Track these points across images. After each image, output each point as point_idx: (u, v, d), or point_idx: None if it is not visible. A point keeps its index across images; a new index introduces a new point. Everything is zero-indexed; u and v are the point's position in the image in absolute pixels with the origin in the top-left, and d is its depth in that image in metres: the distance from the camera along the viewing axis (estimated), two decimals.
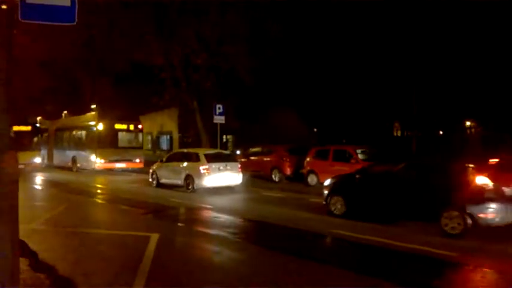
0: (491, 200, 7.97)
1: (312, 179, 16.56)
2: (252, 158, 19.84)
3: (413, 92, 23.16)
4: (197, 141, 24.93)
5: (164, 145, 34.28)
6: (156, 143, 35.09)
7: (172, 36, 20.83)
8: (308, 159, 17.00)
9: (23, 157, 20.08)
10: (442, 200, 8.36)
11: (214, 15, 20.09)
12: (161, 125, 33.66)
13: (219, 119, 20.03)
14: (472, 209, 7.98)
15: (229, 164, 15.09)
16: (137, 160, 22.95)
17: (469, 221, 7.99)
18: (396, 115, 33.86)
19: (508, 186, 8.23)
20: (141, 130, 24.08)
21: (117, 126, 22.73)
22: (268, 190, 15.66)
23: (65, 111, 29.52)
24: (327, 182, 11.05)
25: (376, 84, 26.75)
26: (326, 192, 10.75)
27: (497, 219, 7.97)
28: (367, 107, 30.04)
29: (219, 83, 22.44)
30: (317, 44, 25.87)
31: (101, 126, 22.08)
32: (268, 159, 18.98)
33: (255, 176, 19.16)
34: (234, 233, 8.94)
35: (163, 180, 16.22)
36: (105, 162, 21.84)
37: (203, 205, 12.15)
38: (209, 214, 11.04)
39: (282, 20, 20.57)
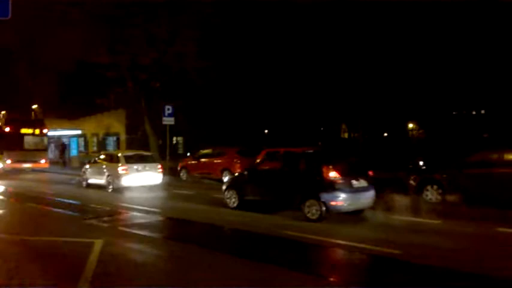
0: (341, 190, 9.60)
1: None
2: (203, 160, 19.64)
3: (358, 95, 23.98)
4: (145, 142, 24.38)
5: (111, 147, 33.18)
6: (102, 144, 33.91)
7: (118, 35, 20.19)
8: (258, 161, 17.04)
9: None
10: (305, 191, 9.91)
11: (163, 15, 19.71)
12: (108, 126, 32.56)
13: (168, 121, 19.69)
14: (325, 197, 9.50)
15: (149, 165, 16.04)
16: (42, 161, 25.38)
17: (324, 208, 9.53)
18: (343, 117, 34.85)
19: (356, 179, 10.01)
20: (45, 134, 26.58)
21: (23, 130, 25.11)
22: (217, 192, 15.49)
23: (3, 112, 27.89)
24: (226, 179, 12.20)
25: (323, 88, 27.38)
26: (224, 187, 12.02)
27: (345, 206, 9.70)
28: (315, 109, 30.69)
29: (169, 84, 22.05)
30: (267, 48, 26.10)
31: (7, 130, 24.40)
32: (219, 161, 18.87)
33: (207, 178, 18.99)
34: (178, 235, 8.84)
35: (90, 181, 17.09)
36: (12, 163, 23.84)
37: (148, 208, 11.86)
38: (154, 218, 10.82)
39: (233, 20, 20.57)
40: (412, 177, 12.80)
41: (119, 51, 20.44)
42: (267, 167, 11.34)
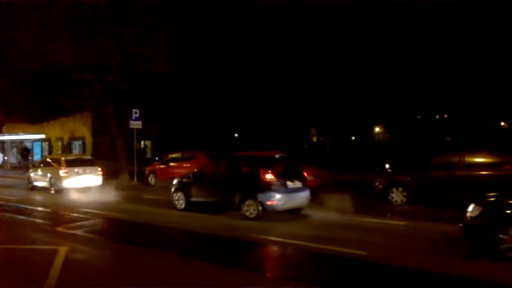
0: (276, 191, 10.38)
1: None
2: (171, 164, 19.38)
3: (326, 100, 24.33)
4: (113, 147, 23.90)
5: (77, 151, 32.32)
6: (67, 149, 32.99)
7: (84, 37, 19.68)
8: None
9: None
10: (244, 192, 10.68)
11: (130, 17, 19.35)
12: (73, 130, 31.71)
13: (135, 124, 19.38)
14: (261, 198, 10.29)
15: (89, 168, 17.46)
16: None
17: (260, 207, 10.34)
18: (312, 122, 35.26)
19: (291, 181, 10.82)
20: None
21: None
22: None
23: None
24: (175, 181, 12.78)
25: (293, 92, 27.64)
26: (172, 190, 12.57)
27: (280, 205, 10.47)
28: (285, 114, 30.94)
29: (137, 87, 21.66)
30: (237, 51, 26.14)
31: None
32: (188, 165, 18.61)
33: None
34: (144, 240, 8.70)
35: (35, 183, 18.23)
36: None
37: (109, 213, 11.68)
38: (116, 223, 10.68)
39: (203, 24, 20.44)
40: (378, 180, 13.10)
41: (84, 53, 19.92)
42: (209, 170, 12.22)
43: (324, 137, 34.16)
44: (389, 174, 13.78)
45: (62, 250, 7.35)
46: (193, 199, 11.92)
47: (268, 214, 10.44)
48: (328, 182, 15.59)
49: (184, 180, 12.46)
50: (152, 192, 16.84)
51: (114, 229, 10.45)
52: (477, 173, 11.31)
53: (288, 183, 10.73)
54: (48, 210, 12.74)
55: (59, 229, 9.76)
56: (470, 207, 7.07)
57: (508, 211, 6.63)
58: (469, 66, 20.29)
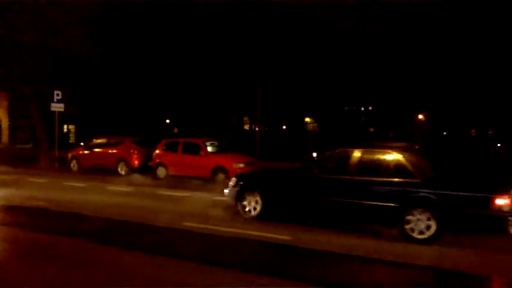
0: None
1: (161, 172, 16.31)
2: (96, 150, 18.52)
3: (258, 88, 24.48)
4: (33, 130, 22.36)
5: None
6: None
7: None
8: (157, 151, 16.68)
9: None
10: None
11: None
12: None
13: (57, 107, 18.26)
14: None
15: None
16: None
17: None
18: (245, 110, 35.45)
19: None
20: None
21: None
22: (113, 184, 14.77)
23: None
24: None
25: (226, 79, 27.57)
26: None
27: None
28: (218, 101, 30.78)
29: (60, 67, 20.33)
30: (169, 35, 25.47)
31: None
32: (115, 151, 17.95)
33: (100, 169, 17.98)
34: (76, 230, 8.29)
35: None
36: None
37: (36, 202, 10.95)
38: (46, 212, 10.05)
39: (130, 7, 19.63)
40: None
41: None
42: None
43: (256, 125, 34.54)
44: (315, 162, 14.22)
45: None
46: None
47: None
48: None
49: None
50: (73, 179, 15.91)
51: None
52: None
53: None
54: None
55: None
56: (232, 179, 9.44)
57: (246, 181, 9.06)
58: (391, 62, 21.47)
